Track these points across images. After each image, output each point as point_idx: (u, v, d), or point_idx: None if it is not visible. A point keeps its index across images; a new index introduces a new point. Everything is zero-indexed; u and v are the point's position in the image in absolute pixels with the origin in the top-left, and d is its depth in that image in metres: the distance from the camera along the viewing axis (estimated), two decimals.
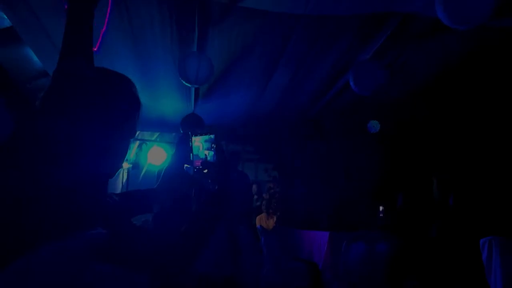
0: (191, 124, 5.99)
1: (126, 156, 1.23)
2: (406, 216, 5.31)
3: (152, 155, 6.99)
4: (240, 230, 6.06)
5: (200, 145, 1.27)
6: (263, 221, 6.93)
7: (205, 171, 1.24)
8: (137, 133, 7.03)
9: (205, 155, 1.26)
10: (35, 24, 3.91)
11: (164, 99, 5.87)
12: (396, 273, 4.99)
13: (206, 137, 1.27)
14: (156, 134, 7.31)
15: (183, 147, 1.25)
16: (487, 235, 3.50)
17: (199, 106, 6.08)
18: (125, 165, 6.87)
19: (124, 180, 6.82)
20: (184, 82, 4.27)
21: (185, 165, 1.26)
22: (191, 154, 1.25)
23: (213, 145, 1.27)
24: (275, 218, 6.90)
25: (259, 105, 6.21)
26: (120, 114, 1.15)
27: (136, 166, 6.94)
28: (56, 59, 4.41)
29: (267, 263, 6.14)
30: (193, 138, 1.27)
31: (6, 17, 3.92)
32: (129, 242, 1.03)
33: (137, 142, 7.01)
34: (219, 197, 1.19)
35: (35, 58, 4.74)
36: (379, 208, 5.73)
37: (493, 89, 5.25)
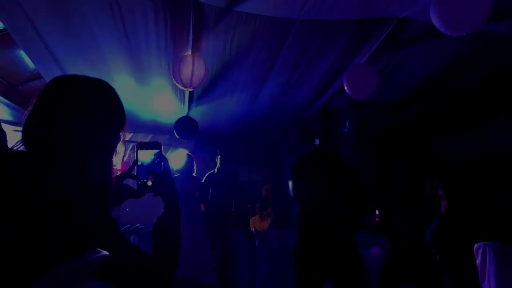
0: (185, 127, 5.99)
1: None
2: (399, 219, 5.33)
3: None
4: (231, 232, 6.07)
5: (147, 158, 1.26)
6: (256, 223, 6.92)
7: (149, 183, 1.24)
8: (131, 135, 6.96)
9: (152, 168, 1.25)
10: (28, 27, 3.89)
11: (157, 101, 5.85)
12: (390, 276, 5.01)
13: (154, 150, 1.27)
14: (150, 136, 7.27)
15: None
16: (481, 240, 3.52)
17: (193, 108, 6.07)
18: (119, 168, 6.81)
19: None
20: (178, 85, 4.25)
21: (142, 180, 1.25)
22: (136, 167, 1.25)
23: (157, 159, 1.26)
24: (269, 220, 6.89)
25: (254, 107, 6.21)
26: (107, 119, 1.16)
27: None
28: (48, 62, 4.38)
29: (262, 265, 6.14)
30: (139, 151, 1.27)
31: None
32: (128, 269, 1.04)
33: (130, 145, 6.96)
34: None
35: (28, 60, 4.72)
36: (374, 212, 5.75)
37: (486, 92, 5.28)
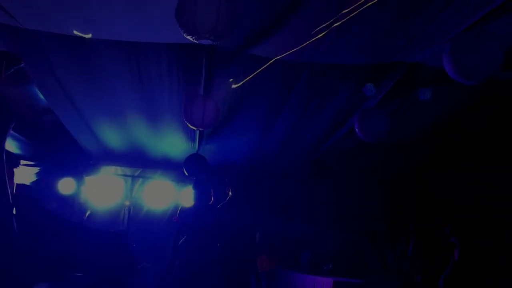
0: (195, 164, 5.94)
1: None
2: (412, 263, 5.20)
3: (151, 192, 6.87)
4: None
5: None
6: (264, 263, 6.79)
7: None
8: (139, 170, 6.90)
9: None
10: (43, 64, 3.96)
11: (168, 139, 5.86)
12: None
13: None
14: (159, 172, 7.22)
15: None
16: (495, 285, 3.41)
17: (203, 146, 6.06)
18: (126, 203, 6.78)
19: (125, 218, 6.70)
20: (189, 125, 4.25)
21: None
22: None
23: None
24: (276, 260, 6.75)
25: (264, 146, 6.18)
26: None
27: (136, 204, 6.83)
28: (61, 98, 4.44)
29: None
30: None
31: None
32: None
33: (140, 180, 6.93)
34: None
35: (41, 96, 4.79)
36: (387, 254, 5.64)
37: (497, 137, 5.23)
